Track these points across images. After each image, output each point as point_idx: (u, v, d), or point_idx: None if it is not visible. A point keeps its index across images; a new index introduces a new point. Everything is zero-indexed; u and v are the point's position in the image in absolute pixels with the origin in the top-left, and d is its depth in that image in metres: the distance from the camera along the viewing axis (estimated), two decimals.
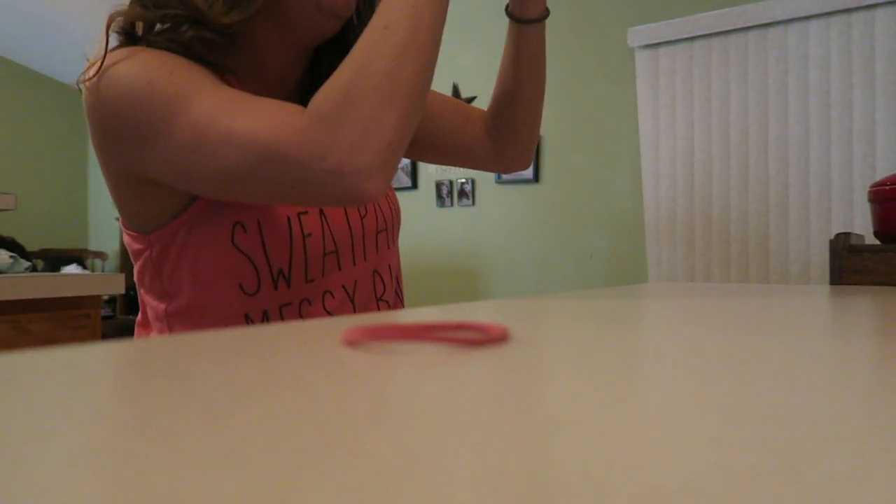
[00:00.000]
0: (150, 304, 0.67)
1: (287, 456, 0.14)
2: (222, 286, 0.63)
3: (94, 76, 0.57)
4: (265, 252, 0.62)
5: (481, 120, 0.85)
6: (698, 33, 2.38)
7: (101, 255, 4.44)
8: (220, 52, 0.64)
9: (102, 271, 4.52)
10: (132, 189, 0.62)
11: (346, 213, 0.69)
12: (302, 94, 0.71)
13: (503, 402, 0.19)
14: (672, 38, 2.43)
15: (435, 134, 0.83)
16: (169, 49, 0.59)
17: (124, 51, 0.58)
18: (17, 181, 4.52)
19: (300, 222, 0.64)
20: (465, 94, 3.01)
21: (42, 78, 4.77)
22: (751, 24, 2.28)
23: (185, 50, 0.60)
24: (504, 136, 0.83)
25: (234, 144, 0.53)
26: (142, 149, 0.56)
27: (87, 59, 0.60)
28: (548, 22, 0.79)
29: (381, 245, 0.74)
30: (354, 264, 0.70)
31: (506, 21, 0.79)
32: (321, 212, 0.67)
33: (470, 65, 3.04)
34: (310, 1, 0.63)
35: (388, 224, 0.75)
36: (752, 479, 0.12)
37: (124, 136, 0.57)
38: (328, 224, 0.67)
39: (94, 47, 0.60)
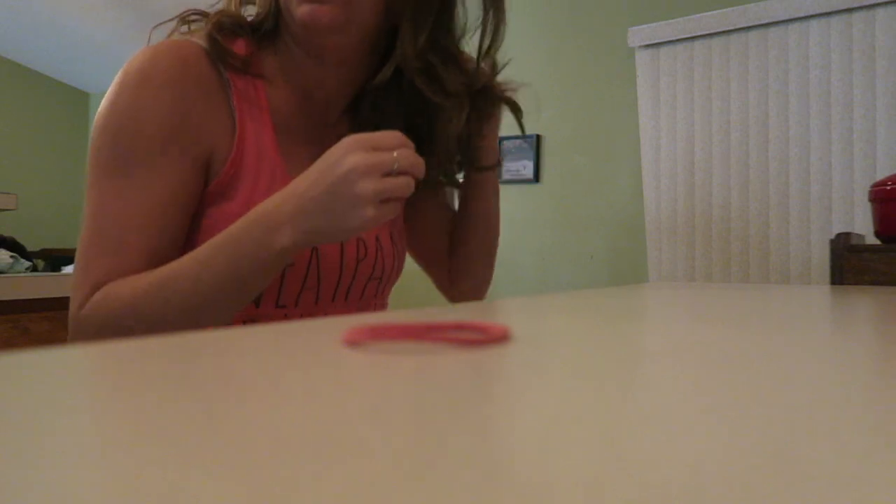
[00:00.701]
0: None
1: (288, 456, 0.14)
2: None
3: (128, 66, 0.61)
4: None
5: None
6: (699, 33, 2.38)
7: None
8: (259, 57, 0.67)
9: None
10: None
11: (342, 249, 0.68)
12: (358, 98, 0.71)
13: (504, 402, 0.19)
14: (672, 38, 2.43)
15: (419, 235, 0.84)
16: (210, 35, 0.62)
17: (141, 61, 0.61)
18: (18, 181, 4.52)
19: None
20: None
21: (42, 78, 4.77)
22: (751, 24, 2.28)
23: (221, 50, 0.63)
24: (459, 271, 0.84)
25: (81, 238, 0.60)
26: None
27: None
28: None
29: (367, 292, 0.72)
30: (333, 300, 0.68)
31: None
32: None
33: None
34: (290, 13, 0.62)
35: (384, 275, 0.73)
36: (753, 479, 0.12)
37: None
38: (318, 258, 0.66)
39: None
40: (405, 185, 0.53)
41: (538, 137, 2.82)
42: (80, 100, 5.03)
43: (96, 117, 0.61)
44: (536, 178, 2.86)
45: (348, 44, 0.65)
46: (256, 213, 0.55)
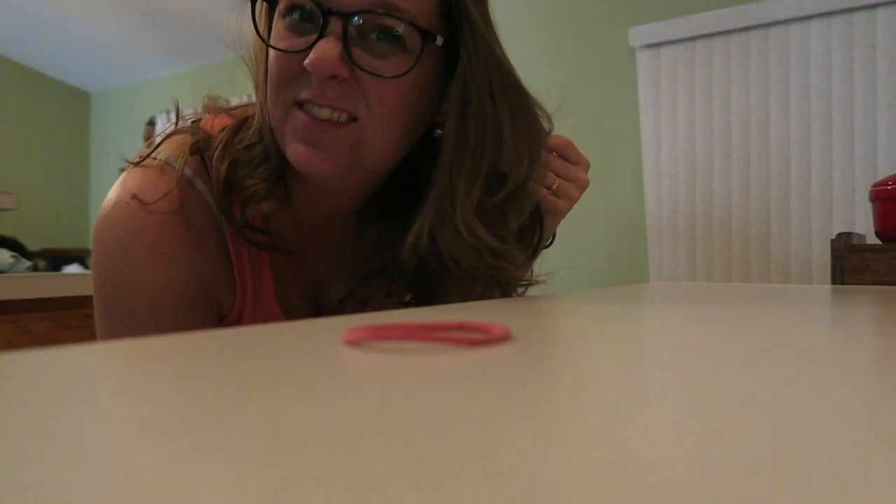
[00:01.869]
0: None
1: (288, 456, 0.14)
2: None
3: (119, 193, 0.54)
4: None
5: None
6: (700, 33, 2.38)
7: None
8: (286, 181, 0.58)
9: None
10: None
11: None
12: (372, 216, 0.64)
13: (504, 402, 0.19)
14: (673, 38, 2.43)
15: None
16: (242, 156, 0.54)
17: (132, 222, 0.53)
18: (19, 181, 4.52)
19: None
20: None
21: (43, 78, 4.77)
22: (752, 24, 2.28)
23: (249, 236, 0.55)
24: None
25: None
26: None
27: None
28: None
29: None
30: None
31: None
32: None
33: None
34: (283, 148, 0.54)
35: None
36: (753, 479, 0.12)
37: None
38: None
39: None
40: None
41: None
42: (80, 99, 5.03)
43: (97, 285, 0.55)
44: None
45: (360, 181, 0.57)
46: None
